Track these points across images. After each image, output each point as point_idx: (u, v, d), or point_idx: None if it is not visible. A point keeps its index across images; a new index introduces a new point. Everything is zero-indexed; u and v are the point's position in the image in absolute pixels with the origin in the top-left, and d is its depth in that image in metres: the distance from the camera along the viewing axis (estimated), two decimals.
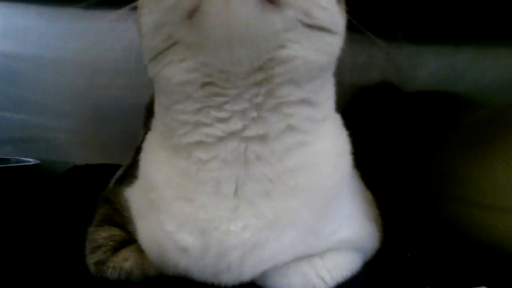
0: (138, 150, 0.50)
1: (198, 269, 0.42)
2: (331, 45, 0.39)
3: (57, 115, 1.09)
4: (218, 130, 0.39)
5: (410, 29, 0.68)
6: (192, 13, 0.34)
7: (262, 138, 0.40)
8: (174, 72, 0.38)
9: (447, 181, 0.62)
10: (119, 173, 0.66)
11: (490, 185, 0.53)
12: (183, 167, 0.42)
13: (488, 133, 0.57)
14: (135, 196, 0.48)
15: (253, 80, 0.37)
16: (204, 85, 0.38)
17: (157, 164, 0.45)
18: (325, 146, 0.43)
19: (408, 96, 0.72)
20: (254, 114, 0.39)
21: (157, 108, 0.45)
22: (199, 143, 0.40)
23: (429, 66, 0.71)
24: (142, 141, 0.51)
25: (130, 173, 0.52)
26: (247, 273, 0.42)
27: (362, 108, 0.77)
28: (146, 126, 0.71)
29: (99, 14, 1.10)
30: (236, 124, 0.39)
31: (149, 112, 0.71)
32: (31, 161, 0.86)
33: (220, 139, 0.40)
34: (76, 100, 1.10)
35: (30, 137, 1.08)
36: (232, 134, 0.40)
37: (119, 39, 1.09)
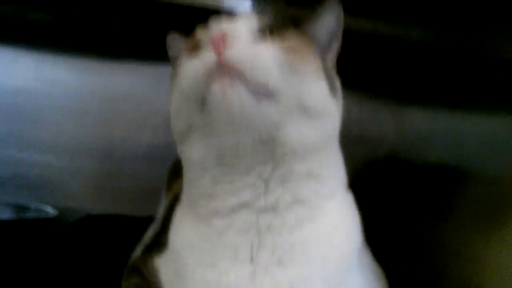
0: (167, 217, 0.54)
1: None
2: (324, 126, 0.45)
3: (75, 164, 1.13)
4: (231, 202, 0.44)
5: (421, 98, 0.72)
6: (202, 105, 0.41)
7: (272, 210, 0.44)
8: (193, 151, 0.45)
9: (452, 260, 0.62)
10: (146, 240, 0.68)
11: (495, 269, 0.52)
12: (205, 234, 0.45)
13: (494, 210, 0.57)
14: (165, 266, 0.51)
15: (259, 157, 0.43)
16: (217, 162, 0.44)
17: (183, 232, 0.49)
18: (335, 222, 0.46)
19: (415, 170, 0.75)
20: (263, 187, 0.43)
21: (184, 181, 0.50)
22: (216, 213, 0.45)
23: (439, 138, 0.71)
24: (169, 207, 0.54)
25: (159, 241, 0.54)
26: None
27: (370, 182, 0.80)
28: (170, 189, 0.75)
29: (123, 69, 1.17)
30: (246, 196, 0.44)
31: (172, 175, 0.76)
32: (50, 212, 0.89)
33: (233, 209, 0.44)
34: (94, 151, 1.14)
35: (47, 183, 1.11)
36: (244, 205, 0.44)
37: (140, 96, 1.16)
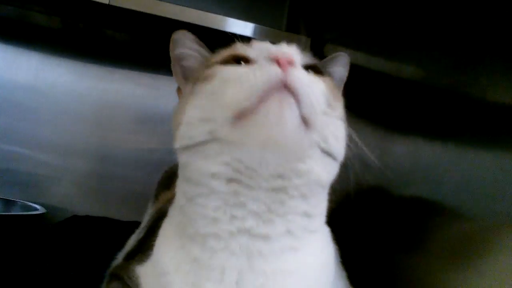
0: (151, 227, 0.55)
1: None
2: (333, 168, 0.46)
3: (66, 164, 1.15)
4: (233, 226, 0.44)
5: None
6: (241, 115, 0.40)
7: (266, 237, 0.45)
8: (207, 163, 0.43)
9: None
10: (127, 248, 0.68)
11: None
12: (195, 254, 0.46)
13: (471, 249, 0.57)
14: (147, 276, 0.51)
15: (273, 186, 0.43)
16: (230, 181, 0.43)
17: (170, 251, 0.48)
18: (313, 254, 0.48)
19: (395, 202, 0.76)
20: (267, 216, 0.44)
21: (178, 197, 0.49)
22: (215, 235, 0.45)
23: (421, 168, 0.71)
24: (156, 218, 0.55)
25: (142, 249, 0.55)
26: None
27: (352, 212, 0.82)
28: (157, 199, 0.76)
29: (121, 76, 1.20)
30: (249, 223, 0.44)
31: (162, 185, 0.77)
32: (38, 208, 0.90)
33: (233, 233, 0.44)
34: (87, 153, 1.16)
35: (38, 181, 1.12)
36: (244, 231, 0.44)
37: (135, 103, 1.18)
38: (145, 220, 0.76)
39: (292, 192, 0.44)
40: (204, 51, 0.53)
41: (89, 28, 1.15)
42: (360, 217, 0.82)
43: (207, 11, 1.00)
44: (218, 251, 0.45)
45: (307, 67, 0.46)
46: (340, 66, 0.58)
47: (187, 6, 0.98)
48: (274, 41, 1.01)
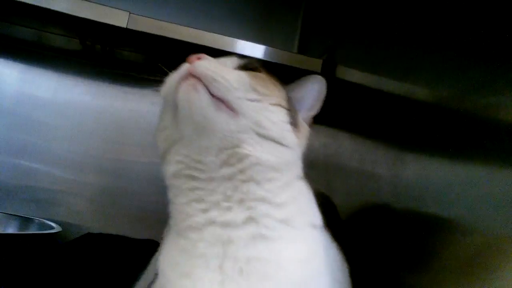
0: None
1: None
2: (281, 153, 0.51)
3: (81, 180, 1.17)
4: (201, 218, 0.49)
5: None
6: (174, 110, 0.48)
7: (231, 225, 0.49)
8: (170, 166, 0.51)
9: None
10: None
11: None
12: (183, 247, 0.51)
13: (483, 267, 0.57)
14: None
15: (222, 174, 0.48)
16: (188, 178, 0.50)
17: (166, 249, 0.54)
18: (294, 249, 0.50)
19: (406, 218, 0.76)
20: (225, 205, 0.49)
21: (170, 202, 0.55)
22: (190, 227, 0.50)
23: (434, 188, 0.71)
24: None
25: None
26: None
27: (364, 227, 0.83)
28: None
29: (136, 95, 1.22)
30: (213, 213, 0.49)
31: None
32: (54, 226, 0.91)
33: (204, 224, 0.49)
34: (102, 170, 1.19)
35: (52, 198, 1.15)
36: (211, 222, 0.49)
37: (148, 121, 1.20)
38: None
39: (241, 177, 0.48)
40: None
41: (106, 49, 1.19)
42: (370, 232, 0.82)
43: (219, 34, 1.02)
44: (198, 241, 0.50)
45: (243, 67, 0.54)
46: (310, 87, 0.63)
47: (200, 29, 1.01)
48: (286, 62, 1.04)
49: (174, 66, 0.57)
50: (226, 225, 0.49)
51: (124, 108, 1.21)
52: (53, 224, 0.94)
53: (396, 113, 0.82)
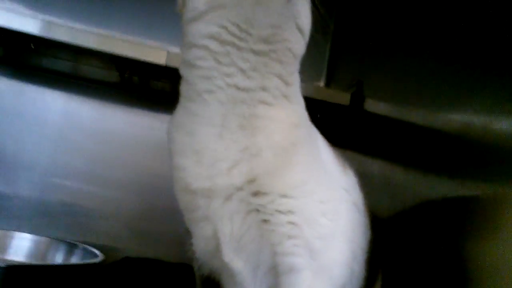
0: None
1: (195, 176, 0.57)
2: (302, 44, 0.59)
3: (120, 206, 1.24)
4: (222, 81, 0.55)
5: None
6: None
7: (248, 90, 0.56)
8: (207, 27, 0.54)
9: None
10: None
11: None
12: (192, 109, 0.58)
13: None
14: None
15: (258, 48, 0.55)
16: (224, 43, 0.54)
17: (175, 116, 0.61)
18: (286, 114, 0.58)
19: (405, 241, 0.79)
20: (250, 73, 0.55)
21: (182, 71, 0.60)
22: (209, 90, 0.56)
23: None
24: None
25: None
26: (237, 179, 0.56)
27: None
28: None
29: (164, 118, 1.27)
30: (236, 78, 0.55)
31: None
32: (97, 254, 0.96)
33: (223, 87, 0.56)
34: (139, 196, 1.25)
35: (93, 222, 1.22)
36: (232, 85, 0.56)
37: None
38: None
39: (272, 55, 0.56)
40: None
41: (143, 81, 1.25)
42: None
43: None
44: (211, 103, 0.56)
45: None
46: None
47: None
48: (316, 96, 1.08)
49: None
50: (243, 89, 0.56)
51: (160, 134, 1.26)
52: (96, 251, 0.98)
53: (418, 141, 0.85)
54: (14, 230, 1.06)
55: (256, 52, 0.55)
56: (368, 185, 0.96)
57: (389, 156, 0.95)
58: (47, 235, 1.06)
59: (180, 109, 0.61)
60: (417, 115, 0.88)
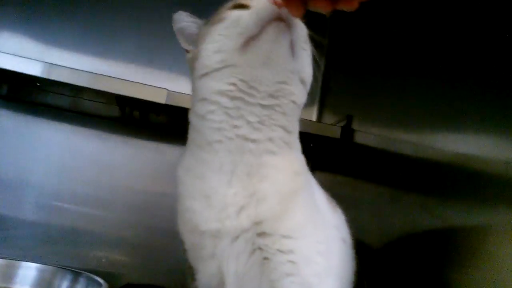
0: None
1: (205, 218, 0.61)
2: (305, 96, 0.64)
3: (122, 234, 1.29)
4: (231, 133, 0.60)
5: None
6: (248, 42, 0.56)
7: (255, 141, 0.61)
8: (218, 84, 0.59)
9: None
10: None
11: None
12: (202, 157, 0.62)
13: None
14: None
15: (266, 103, 0.59)
16: (234, 98, 0.59)
17: (184, 160, 0.66)
18: (288, 161, 0.64)
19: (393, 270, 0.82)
20: (258, 126, 0.60)
21: (193, 120, 0.65)
22: (219, 140, 0.61)
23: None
24: None
25: None
26: (244, 222, 0.60)
27: None
28: None
29: (175, 152, 1.34)
30: (245, 131, 0.60)
31: None
32: (101, 282, 1.00)
33: (233, 138, 0.60)
34: (141, 223, 1.30)
35: (95, 248, 1.26)
36: (240, 136, 0.60)
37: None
38: None
39: (278, 109, 0.60)
40: (198, 20, 0.70)
41: (143, 116, 1.31)
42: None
43: None
44: (220, 152, 0.61)
45: None
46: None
47: None
48: (309, 130, 1.13)
49: None
50: (251, 140, 0.60)
51: (162, 163, 1.32)
52: (99, 280, 1.02)
53: (410, 171, 0.88)
54: (20, 260, 1.09)
55: (263, 106, 0.60)
56: (357, 209, 1.02)
57: (378, 182, 1.00)
58: (51, 261, 1.10)
59: (189, 154, 0.66)
60: (404, 146, 0.93)
